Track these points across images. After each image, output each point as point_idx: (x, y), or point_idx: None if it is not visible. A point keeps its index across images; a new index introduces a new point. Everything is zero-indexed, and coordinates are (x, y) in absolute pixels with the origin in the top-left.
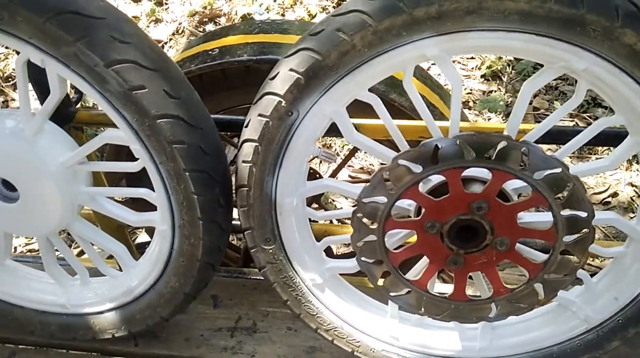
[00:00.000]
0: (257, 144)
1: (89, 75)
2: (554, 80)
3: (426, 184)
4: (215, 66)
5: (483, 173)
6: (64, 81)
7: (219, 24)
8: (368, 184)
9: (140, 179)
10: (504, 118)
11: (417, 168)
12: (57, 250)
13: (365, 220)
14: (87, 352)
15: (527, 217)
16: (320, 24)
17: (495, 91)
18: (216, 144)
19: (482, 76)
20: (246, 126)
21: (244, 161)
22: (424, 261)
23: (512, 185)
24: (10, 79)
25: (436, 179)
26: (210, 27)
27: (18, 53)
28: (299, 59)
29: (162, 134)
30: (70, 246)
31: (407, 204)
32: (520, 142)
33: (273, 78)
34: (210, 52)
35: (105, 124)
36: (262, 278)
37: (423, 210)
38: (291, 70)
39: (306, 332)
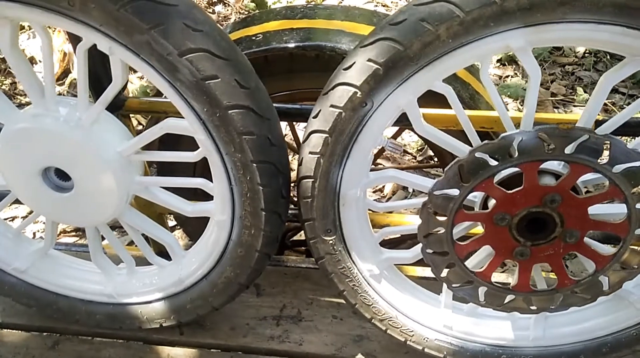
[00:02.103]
0: (328, 135)
1: (159, 64)
2: (570, 66)
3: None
4: (260, 52)
5: (553, 165)
6: (127, 69)
7: (228, 5)
8: (442, 176)
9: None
10: (520, 104)
11: (494, 161)
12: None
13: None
14: (132, 340)
15: (596, 209)
16: (401, 13)
17: (512, 77)
18: (281, 135)
19: (497, 61)
20: (315, 117)
21: (311, 152)
22: (483, 253)
23: (582, 177)
24: None
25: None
26: (219, 8)
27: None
28: (378, 49)
29: (233, 124)
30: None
31: (471, 196)
32: (603, 136)
33: (348, 68)
34: (253, 38)
35: (154, 112)
36: (302, 266)
37: (493, 202)
38: (369, 60)
39: (352, 320)
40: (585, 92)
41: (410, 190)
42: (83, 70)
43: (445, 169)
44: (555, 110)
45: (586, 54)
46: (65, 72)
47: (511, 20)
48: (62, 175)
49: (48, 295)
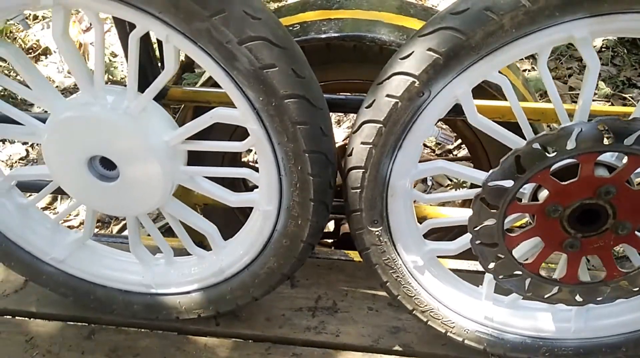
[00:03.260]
0: (382, 125)
1: (217, 52)
2: None
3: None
4: (301, 42)
5: (605, 156)
6: (179, 57)
7: None
8: (497, 167)
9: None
10: (540, 97)
11: (552, 152)
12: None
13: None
14: (167, 331)
15: None
16: (463, 2)
17: (530, 70)
18: (331, 125)
19: None
20: (368, 107)
21: (363, 143)
22: (531, 244)
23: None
24: (31, 52)
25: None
26: None
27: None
28: (438, 39)
29: (287, 114)
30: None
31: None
32: None
33: (405, 57)
34: (290, 28)
35: (197, 102)
36: (334, 257)
37: (545, 194)
38: (429, 50)
39: (387, 311)
40: (606, 86)
41: (430, 183)
42: (135, 58)
43: (501, 160)
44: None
45: (603, 49)
46: None
47: (577, 10)
48: (107, 164)
49: (85, 284)
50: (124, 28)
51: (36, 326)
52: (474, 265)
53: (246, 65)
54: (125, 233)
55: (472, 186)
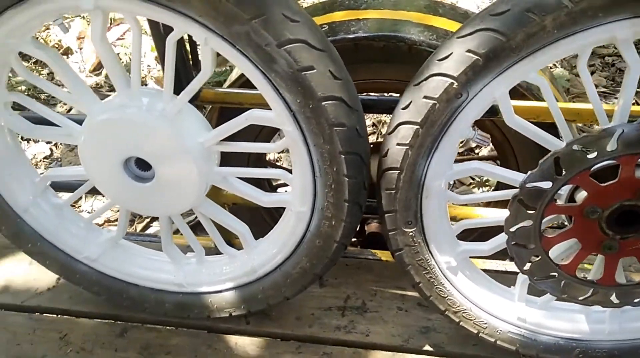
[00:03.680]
0: (419, 126)
1: (256, 55)
2: (610, 57)
3: None
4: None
5: None
6: (215, 60)
7: None
8: (536, 169)
9: None
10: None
11: (592, 153)
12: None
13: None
14: (198, 329)
15: None
16: (503, 3)
17: (553, 68)
18: (365, 126)
19: None
20: (405, 108)
21: (399, 144)
22: (566, 245)
23: None
24: None
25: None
26: None
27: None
28: (478, 40)
29: (325, 116)
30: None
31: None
32: None
33: (443, 59)
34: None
35: (230, 104)
36: (361, 257)
37: (583, 195)
38: (469, 51)
39: (417, 311)
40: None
41: (451, 182)
42: (171, 61)
43: (540, 161)
44: None
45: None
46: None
47: (621, 10)
48: (143, 165)
49: (118, 283)
50: (158, 30)
51: (69, 323)
52: (502, 265)
53: (284, 67)
54: (149, 231)
55: (498, 184)
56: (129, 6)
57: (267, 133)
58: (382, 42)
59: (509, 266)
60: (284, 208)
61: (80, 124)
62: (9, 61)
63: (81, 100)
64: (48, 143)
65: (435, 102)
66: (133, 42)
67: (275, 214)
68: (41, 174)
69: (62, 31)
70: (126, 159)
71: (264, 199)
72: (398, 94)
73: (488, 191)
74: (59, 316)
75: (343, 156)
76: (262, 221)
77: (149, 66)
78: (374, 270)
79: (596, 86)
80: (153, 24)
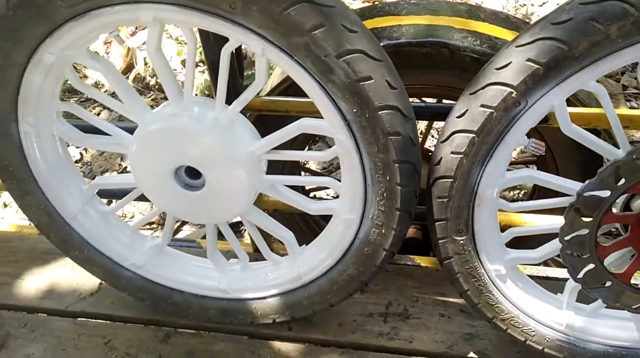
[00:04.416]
0: (475, 135)
1: (314, 65)
2: None
3: None
4: None
5: None
6: (269, 69)
7: None
8: (594, 178)
9: None
10: None
11: None
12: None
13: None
14: (240, 335)
15: None
16: (564, 12)
17: None
18: (418, 135)
19: None
20: (460, 116)
21: (453, 152)
22: (619, 253)
23: None
24: None
25: None
26: None
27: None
28: (538, 49)
29: (380, 125)
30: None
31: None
32: None
33: (502, 68)
34: None
35: (278, 112)
36: (401, 263)
37: None
38: (529, 60)
39: (460, 318)
40: None
41: None
42: (225, 71)
43: (599, 170)
44: (628, 104)
45: None
46: (129, 68)
47: None
48: (193, 173)
49: (163, 289)
50: (208, 40)
51: (113, 328)
52: (543, 271)
53: (342, 78)
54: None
55: (534, 189)
56: (189, 18)
57: (302, 140)
58: (425, 48)
59: (551, 272)
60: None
61: (130, 132)
62: (65, 72)
63: (133, 110)
64: (77, 147)
65: (493, 111)
66: (188, 54)
67: (310, 220)
68: (89, 182)
69: (118, 43)
70: (177, 167)
71: (312, 206)
72: (435, 100)
73: (520, 196)
74: (102, 321)
75: (397, 164)
76: (297, 226)
77: (175, 69)
78: (415, 276)
79: (626, 87)
80: (203, 33)
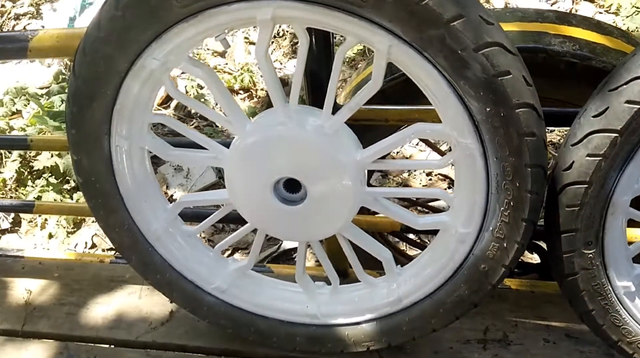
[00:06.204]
0: (617, 135)
1: (446, 60)
2: None
3: None
4: None
5: None
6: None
7: None
8: None
9: None
10: None
11: None
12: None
13: None
14: None
15: None
16: None
17: None
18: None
19: None
20: (597, 116)
21: (590, 155)
22: None
23: None
24: None
25: None
26: None
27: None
28: None
29: (516, 125)
30: None
31: None
32: None
33: None
34: None
35: (373, 120)
36: None
37: None
38: None
39: (566, 343)
40: None
41: None
42: (336, 74)
43: None
44: None
45: None
46: (170, 96)
47: None
48: (290, 187)
49: (246, 315)
50: (309, 42)
51: None
52: None
53: (478, 73)
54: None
55: None
56: (308, 15)
57: None
58: (523, 54)
59: None
60: None
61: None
62: (163, 80)
63: (234, 120)
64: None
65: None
66: (299, 57)
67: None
68: (173, 200)
69: (223, 46)
70: (277, 180)
71: (419, 221)
72: None
73: None
74: (175, 353)
75: (529, 169)
76: None
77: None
78: (510, 299)
79: None
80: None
